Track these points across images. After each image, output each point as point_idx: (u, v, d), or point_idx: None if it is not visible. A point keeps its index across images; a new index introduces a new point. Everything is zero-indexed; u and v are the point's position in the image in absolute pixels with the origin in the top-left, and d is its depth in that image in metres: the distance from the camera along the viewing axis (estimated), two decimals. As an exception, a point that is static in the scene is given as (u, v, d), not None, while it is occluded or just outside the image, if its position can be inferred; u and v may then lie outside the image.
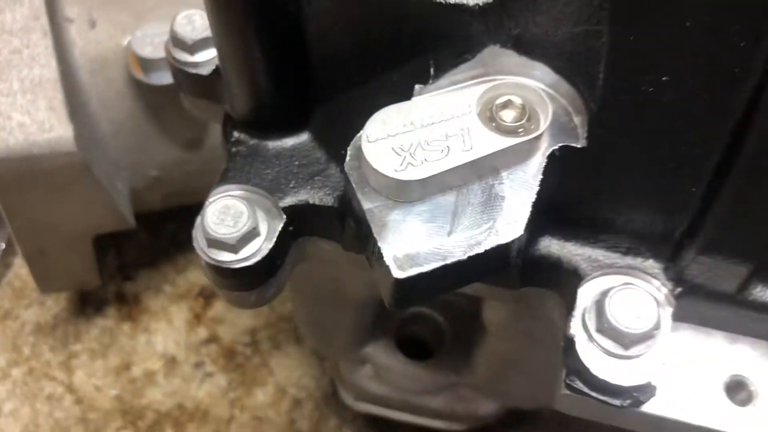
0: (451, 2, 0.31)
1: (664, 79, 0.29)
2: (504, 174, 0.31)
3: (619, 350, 0.33)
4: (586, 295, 0.34)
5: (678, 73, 0.28)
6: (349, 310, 0.51)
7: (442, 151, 0.30)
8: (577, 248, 0.35)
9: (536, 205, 0.31)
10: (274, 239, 0.36)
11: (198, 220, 0.37)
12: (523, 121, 0.31)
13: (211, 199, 0.37)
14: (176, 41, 0.43)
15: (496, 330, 0.48)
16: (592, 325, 0.33)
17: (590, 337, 0.33)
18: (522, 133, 0.31)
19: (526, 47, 0.32)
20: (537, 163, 0.32)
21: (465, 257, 0.30)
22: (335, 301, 0.50)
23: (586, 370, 0.33)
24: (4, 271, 0.81)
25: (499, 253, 0.30)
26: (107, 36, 0.61)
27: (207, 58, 0.43)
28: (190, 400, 0.74)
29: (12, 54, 0.57)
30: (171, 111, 0.62)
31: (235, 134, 0.39)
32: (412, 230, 0.30)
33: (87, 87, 0.61)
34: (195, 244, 0.37)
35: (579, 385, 0.34)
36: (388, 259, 0.30)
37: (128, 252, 0.82)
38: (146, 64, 0.58)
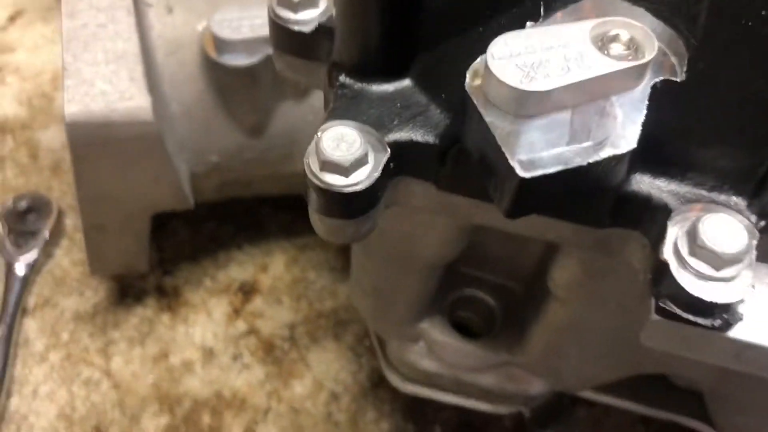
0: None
1: (763, 12, 0.33)
2: (614, 98, 0.34)
3: (711, 272, 0.35)
4: (676, 224, 0.37)
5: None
6: (416, 274, 0.53)
7: (562, 68, 0.33)
8: (666, 185, 0.38)
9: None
10: (380, 169, 0.39)
11: (311, 146, 0.39)
12: (630, 51, 0.34)
13: (324, 127, 0.39)
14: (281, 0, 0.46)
15: (562, 291, 0.50)
16: (684, 250, 0.36)
17: (682, 262, 0.36)
18: (631, 59, 0.34)
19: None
20: (643, 90, 0.35)
21: (585, 163, 0.32)
22: (404, 263, 0.52)
23: (681, 290, 0.35)
24: (46, 260, 0.82)
25: (614, 165, 0.33)
26: (183, 21, 0.65)
27: (310, 17, 0.46)
28: (227, 389, 0.74)
29: (98, 28, 0.60)
30: (239, 94, 0.65)
31: (342, 78, 0.42)
32: (533, 139, 0.33)
33: (161, 67, 0.64)
34: (307, 169, 0.39)
35: (671, 306, 0.36)
36: (512, 161, 0.32)
37: (168, 248, 0.83)
38: (223, 45, 0.61)
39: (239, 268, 0.82)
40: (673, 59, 0.36)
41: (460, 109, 0.39)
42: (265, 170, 0.71)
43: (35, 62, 0.98)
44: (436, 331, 0.59)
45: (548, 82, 0.33)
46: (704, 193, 0.38)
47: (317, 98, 0.67)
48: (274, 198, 0.81)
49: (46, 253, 0.82)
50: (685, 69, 0.35)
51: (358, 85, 0.42)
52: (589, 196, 0.35)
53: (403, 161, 0.41)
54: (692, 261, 0.35)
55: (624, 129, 0.33)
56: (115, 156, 0.60)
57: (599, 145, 0.33)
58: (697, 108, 0.36)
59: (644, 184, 0.38)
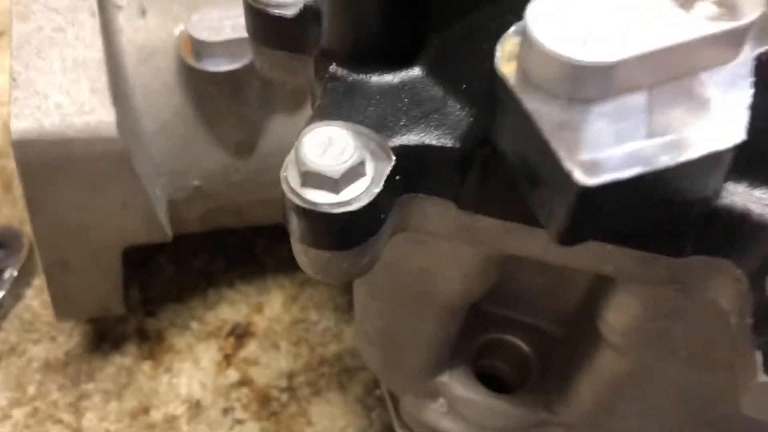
0: None
1: None
2: (704, 75, 0.24)
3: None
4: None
5: None
6: (433, 318, 0.43)
7: (632, 34, 0.24)
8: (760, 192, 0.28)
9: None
10: (381, 183, 0.29)
11: (289, 156, 0.30)
12: (724, 9, 0.25)
13: (307, 129, 0.30)
14: (259, -22, 0.37)
15: (617, 338, 0.39)
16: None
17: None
18: (725, 20, 0.24)
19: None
20: (744, 63, 0.25)
21: (673, 163, 0.22)
22: (418, 304, 0.42)
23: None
24: (14, 302, 0.73)
25: (712, 167, 0.23)
26: (157, 25, 0.56)
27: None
28: (216, 451, 0.64)
29: (55, 32, 0.52)
30: (223, 106, 0.55)
31: (332, 69, 0.33)
32: (597, 131, 0.23)
33: (132, 77, 0.55)
34: (284, 185, 0.29)
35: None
36: (568, 162, 0.22)
37: (152, 286, 0.73)
38: (202, 48, 0.53)
39: (231, 308, 0.72)
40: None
41: (488, 100, 0.29)
42: (255, 195, 0.61)
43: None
44: (459, 385, 0.49)
45: (613, 52, 0.23)
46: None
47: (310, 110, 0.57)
48: (270, 228, 0.71)
49: (15, 293, 0.72)
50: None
51: (352, 77, 0.33)
52: (672, 213, 0.25)
53: (413, 173, 0.31)
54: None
55: (723, 116, 0.24)
56: (73, 180, 0.51)
57: (690, 138, 0.23)
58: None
59: (738, 196, 0.28)
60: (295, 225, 0.30)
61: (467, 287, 0.40)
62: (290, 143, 0.60)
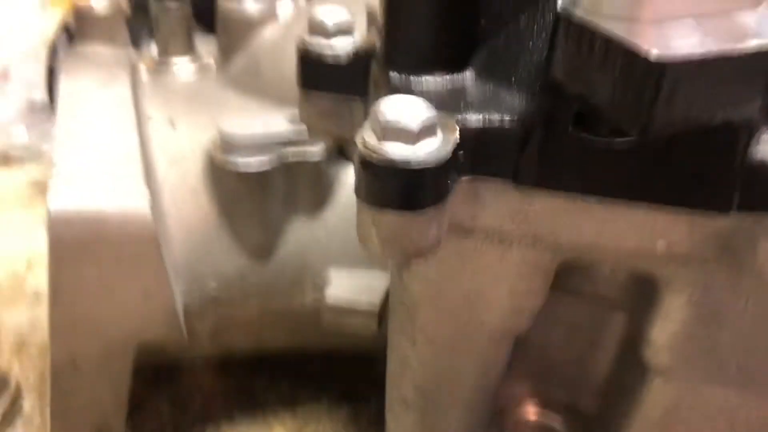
0: None
1: None
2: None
3: None
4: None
5: None
6: (477, 356, 0.42)
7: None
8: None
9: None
10: (450, 146, 0.32)
11: (365, 122, 0.32)
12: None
13: (381, 100, 0.32)
14: (315, 28, 0.42)
15: (665, 356, 0.39)
16: None
17: None
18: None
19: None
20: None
21: (734, 48, 0.26)
22: (463, 341, 0.42)
23: None
24: (-5, 445, 0.68)
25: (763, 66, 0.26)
26: (186, 134, 0.60)
27: (345, 44, 0.42)
28: None
29: (96, 126, 0.55)
30: (246, 205, 0.58)
31: (392, 75, 0.36)
32: (661, 33, 0.27)
33: (161, 180, 0.58)
34: (360, 146, 0.31)
35: None
36: (644, 41, 0.25)
37: (148, 428, 0.70)
38: (231, 144, 0.56)
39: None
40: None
41: (537, 88, 0.33)
42: (269, 303, 0.61)
43: (11, 246, 0.92)
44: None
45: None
46: None
47: (332, 213, 0.60)
48: (269, 364, 0.70)
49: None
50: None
51: (412, 79, 0.36)
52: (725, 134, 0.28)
53: (473, 152, 0.34)
54: None
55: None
56: (101, 261, 0.51)
57: (743, 35, 0.27)
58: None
59: (777, 146, 0.31)
60: (368, 189, 0.32)
61: (515, 306, 0.40)
62: (308, 249, 0.62)
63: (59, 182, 0.50)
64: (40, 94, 1.15)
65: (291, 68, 0.44)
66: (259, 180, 0.57)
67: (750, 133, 0.30)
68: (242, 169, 0.56)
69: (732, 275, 0.35)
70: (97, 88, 0.60)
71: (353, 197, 0.33)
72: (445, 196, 0.33)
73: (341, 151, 0.60)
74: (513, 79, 0.35)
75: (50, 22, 1.12)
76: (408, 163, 0.31)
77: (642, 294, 0.40)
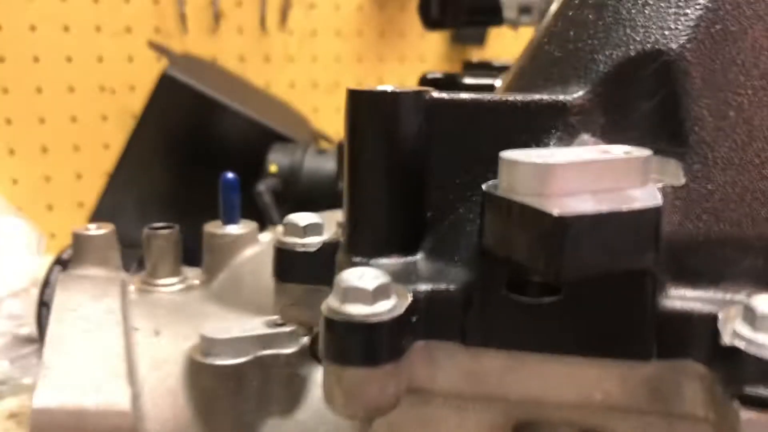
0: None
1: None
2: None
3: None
4: (725, 322, 0.34)
5: None
6: None
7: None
8: (703, 293, 0.37)
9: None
10: (404, 308, 0.37)
11: (333, 286, 0.37)
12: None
13: (342, 272, 0.38)
14: (289, 229, 0.48)
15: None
16: (745, 331, 0.33)
17: (751, 342, 0.32)
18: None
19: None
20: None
21: (621, 208, 0.32)
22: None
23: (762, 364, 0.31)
24: None
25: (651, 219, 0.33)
26: (169, 341, 0.64)
27: (315, 241, 0.48)
28: None
29: (84, 332, 0.59)
30: (222, 403, 0.60)
31: (354, 258, 0.42)
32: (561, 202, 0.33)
33: (141, 382, 0.60)
34: (324, 310, 0.36)
35: (759, 391, 0.31)
36: (549, 207, 0.32)
37: None
38: (210, 345, 0.60)
39: None
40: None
41: (480, 263, 0.39)
42: None
43: None
44: None
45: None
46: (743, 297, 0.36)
47: (304, 413, 0.62)
48: None
49: None
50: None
51: (372, 262, 0.42)
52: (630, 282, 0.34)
53: (425, 316, 0.39)
54: (761, 337, 0.32)
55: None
56: (79, 459, 0.52)
57: (631, 201, 0.33)
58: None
59: (681, 298, 0.37)
60: (331, 346, 0.36)
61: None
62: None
63: (45, 381, 0.54)
64: (27, 329, 1.19)
65: (269, 280, 0.50)
66: (234, 375, 0.60)
67: (654, 284, 0.35)
68: (219, 362, 0.60)
69: (668, 424, 0.38)
70: (89, 300, 0.65)
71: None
72: (401, 353, 0.37)
73: (314, 353, 0.64)
74: (456, 258, 0.41)
75: (43, 265, 1.20)
76: (366, 317, 0.35)
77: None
